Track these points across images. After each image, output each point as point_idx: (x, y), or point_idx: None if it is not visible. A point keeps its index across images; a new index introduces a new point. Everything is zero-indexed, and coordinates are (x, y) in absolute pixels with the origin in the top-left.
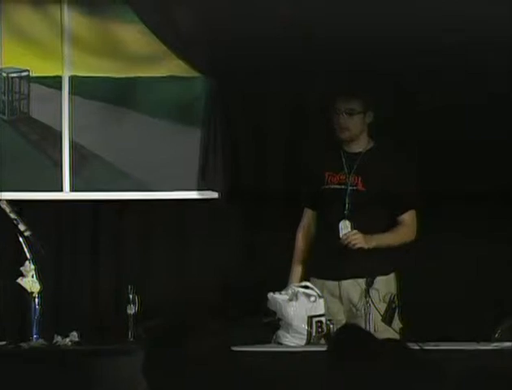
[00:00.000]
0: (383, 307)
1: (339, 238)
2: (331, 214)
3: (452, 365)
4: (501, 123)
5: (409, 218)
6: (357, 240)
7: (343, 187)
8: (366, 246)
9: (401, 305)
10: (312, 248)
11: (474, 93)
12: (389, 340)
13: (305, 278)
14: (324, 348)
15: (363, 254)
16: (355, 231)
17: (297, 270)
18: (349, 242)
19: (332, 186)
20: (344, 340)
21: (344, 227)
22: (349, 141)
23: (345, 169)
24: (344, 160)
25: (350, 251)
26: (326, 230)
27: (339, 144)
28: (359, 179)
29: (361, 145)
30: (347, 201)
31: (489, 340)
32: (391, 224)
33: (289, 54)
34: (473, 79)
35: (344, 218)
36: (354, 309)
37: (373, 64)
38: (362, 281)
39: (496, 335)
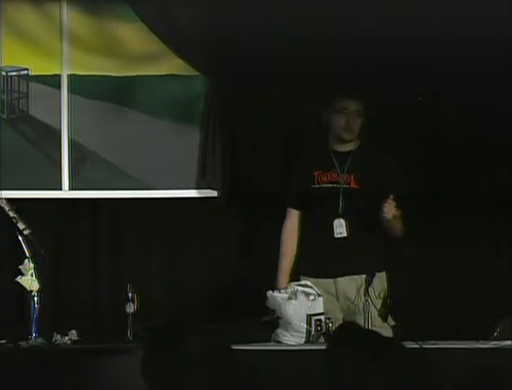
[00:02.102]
0: (379, 304)
1: (334, 236)
2: (325, 213)
3: (451, 363)
4: (498, 123)
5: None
6: (390, 211)
7: (335, 186)
8: (390, 217)
9: (394, 303)
10: (300, 248)
11: (469, 93)
12: (388, 338)
13: (294, 278)
14: (323, 347)
15: (358, 253)
16: (391, 200)
17: (285, 275)
18: (384, 210)
19: (324, 185)
20: (344, 339)
21: (339, 225)
22: (345, 141)
23: (337, 168)
24: (334, 159)
25: (345, 250)
26: (319, 229)
27: (327, 143)
28: (351, 177)
29: (351, 144)
30: (341, 199)
31: (488, 338)
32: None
33: (289, 54)
34: (470, 79)
35: (338, 216)
36: (352, 306)
37: (366, 65)
38: (358, 278)
39: (495, 334)
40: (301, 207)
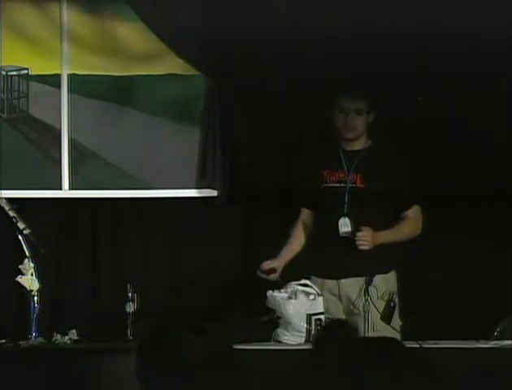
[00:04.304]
0: (381, 305)
1: (339, 236)
2: (331, 213)
3: (451, 363)
4: (503, 121)
5: (413, 213)
6: (367, 241)
7: (342, 185)
8: (371, 247)
9: (401, 304)
10: (310, 246)
11: (474, 92)
12: (378, 337)
13: (304, 276)
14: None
15: (363, 253)
16: (366, 228)
17: (289, 248)
18: (359, 241)
19: (331, 184)
20: (328, 339)
21: (344, 224)
22: (350, 140)
23: (344, 167)
24: (342, 158)
25: (350, 250)
26: (325, 228)
27: (336, 142)
28: (358, 176)
29: (360, 144)
30: (346, 198)
31: (488, 338)
32: (392, 221)
33: (290, 52)
34: (473, 78)
35: (343, 215)
36: (354, 308)
37: (371, 64)
38: (361, 279)
39: (495, 334)
40: (311, 206)
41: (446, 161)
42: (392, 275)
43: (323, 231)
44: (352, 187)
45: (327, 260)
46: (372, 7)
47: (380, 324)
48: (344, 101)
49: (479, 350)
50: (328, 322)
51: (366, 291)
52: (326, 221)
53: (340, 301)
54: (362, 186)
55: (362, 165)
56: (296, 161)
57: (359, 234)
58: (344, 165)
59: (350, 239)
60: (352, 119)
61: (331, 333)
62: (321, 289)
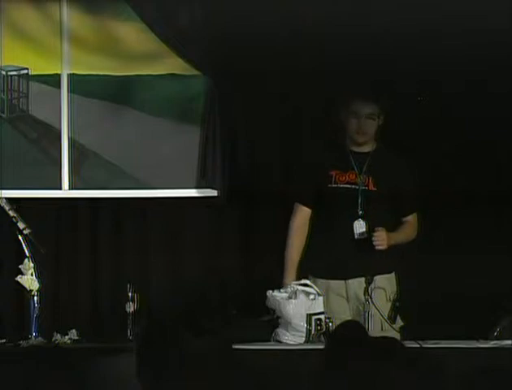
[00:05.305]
0: (388, 306)
1: (349, 237)
2: (342, 214)
3: (451, 363)
4: (505, 124)
5: (413, 219)
6: (384, 241)
7: (354, 186)
8: (386, 247)
9: (402, 304)
10: (311, 247)
11: (477, 94)
12: (387, 337)
13: (305, 278)
14: (323, 346)
15: (370, 253)
16: (381, 229)
17: (294, 269)
18: (376, 241)
19: (341, 185)
20: (343, 338)
21: (360, 226)
22: (360, 143)
23: (356, 169)
24: (352, 160)
25: (358, 250)
26: (335, 229)
27: (345, 143)
28: (369, 179)
29: (368, 146)
30: (360, 200)
31: (488, 338)
32: (396, 224)
33: (290, 53)
34: (475, 80)
35: (358, 217)
36: (362, 308)
37: (372, 64)
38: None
39: (495, 334)
40: (313, 205)
41: (446, 162)
42: (393, 276)
43: (333, 233)
44: (364, 189)
45: (334, 261)
46: (373, 7)
47: (385, 324)
48: (357, 106)
49: (479, 350)
50: (344, 322)
51: (367, 291)
52: (336, 222)
53: (348, 301)
54: (374, 189)
55: (372, 167)
56: (302, 159)
57: (376, 234)
58: (355, 167)
59: (364, 240)
60: (364, 123)
61: (348, 333)
62: (326, 291)
